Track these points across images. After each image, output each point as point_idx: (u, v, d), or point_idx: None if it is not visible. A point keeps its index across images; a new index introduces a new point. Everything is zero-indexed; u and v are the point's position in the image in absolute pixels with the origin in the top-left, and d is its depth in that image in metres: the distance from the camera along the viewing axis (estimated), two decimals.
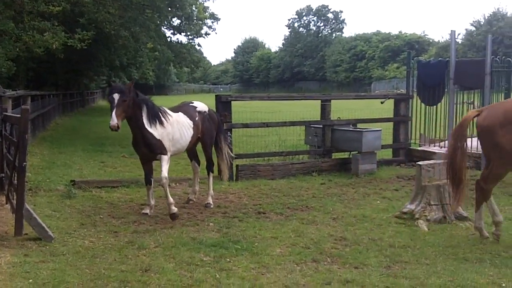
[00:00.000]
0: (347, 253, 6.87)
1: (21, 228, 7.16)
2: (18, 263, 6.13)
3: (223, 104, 12.14)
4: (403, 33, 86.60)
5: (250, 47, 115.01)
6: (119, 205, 9.45)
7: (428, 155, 13.49)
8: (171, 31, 32.47)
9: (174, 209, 8.46)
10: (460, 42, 66.52)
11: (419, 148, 14.63)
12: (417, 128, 15.01)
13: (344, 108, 15.40)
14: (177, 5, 26.13)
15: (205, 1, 34.10)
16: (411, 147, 14.60)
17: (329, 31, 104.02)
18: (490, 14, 68.89)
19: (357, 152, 12.82)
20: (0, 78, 17.16)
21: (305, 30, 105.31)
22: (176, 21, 31.70)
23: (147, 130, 8.51)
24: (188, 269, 6.14)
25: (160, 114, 8.67)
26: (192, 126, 9.24)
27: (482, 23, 69.00)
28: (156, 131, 8.56)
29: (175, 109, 9.35)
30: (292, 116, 15.25)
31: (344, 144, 13.16)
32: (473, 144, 13.05)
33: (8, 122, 9.27)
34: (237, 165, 12.00)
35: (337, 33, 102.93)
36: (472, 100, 14.89)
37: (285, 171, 12.41)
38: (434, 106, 14.36)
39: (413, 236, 7.67)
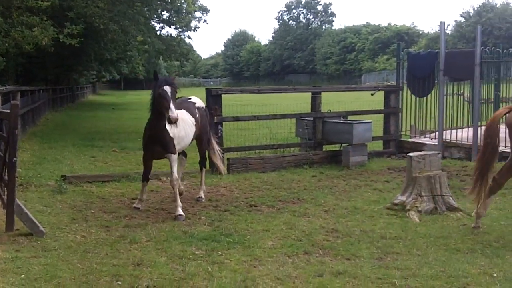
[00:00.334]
0: (339, 245, 6.88)
1: (12, 224, 7.12)
2: (10, 259, 6.10)
3: (213, 98, 12.12)
4: (392, 24, 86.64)
5: (240, 40, 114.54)
6: (110, 199, 9.41)
7: (419, 147, 13.57)
8: (161, 24, 32.37)
9: (181, 211, 8.25)
10: (449, 33, 66.92)
11: (410, 140, 14.69)
12: (408, 120, 15.04)
13: (334, 101, 15.37)
14: None
15: None
16: (401, 139, 14.64)
17: (319, 24, 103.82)
18: (480, 5, 69.35)
19: (348, 144, 12.83)
20: None
21: (294, 22, 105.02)
22: (165, 14, 31.62)
23: (165, 128, 8.27)
24: (180, 263, 6.14)
25: None
26: (194, 123, 9.05)
27: (471, 14, 69.33)
28: (170, 129, 8.31)
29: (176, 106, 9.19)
30: (282, 109, 15.22)
31: (335, 136, 13.17)
32: (463, 135, 13.17)
33: None
34: (228, 159, 11.97)
35: (327, 26, 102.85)
36: (462, 91, 14.97)
37: (276, 164, 12.42)
38: (424, 98, 14.38)
39: (404, 227, 7.69)
